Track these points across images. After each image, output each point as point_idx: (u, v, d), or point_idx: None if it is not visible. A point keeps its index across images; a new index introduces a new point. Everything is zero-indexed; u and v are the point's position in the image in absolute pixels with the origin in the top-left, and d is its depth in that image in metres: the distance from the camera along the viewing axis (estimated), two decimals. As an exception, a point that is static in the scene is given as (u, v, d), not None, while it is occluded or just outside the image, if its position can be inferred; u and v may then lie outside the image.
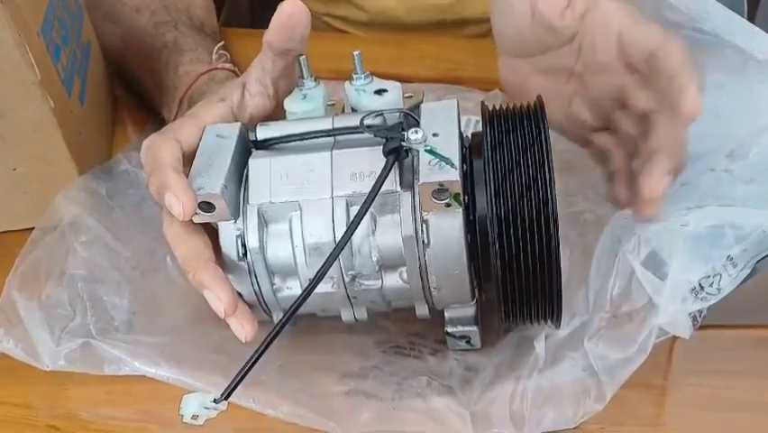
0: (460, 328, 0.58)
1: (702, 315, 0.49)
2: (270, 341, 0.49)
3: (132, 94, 0.81)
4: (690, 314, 0.48)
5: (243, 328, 0.52)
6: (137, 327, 0.61)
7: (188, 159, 0.53)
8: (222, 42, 0.75)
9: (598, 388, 0.52)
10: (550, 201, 0.49)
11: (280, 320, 0.50)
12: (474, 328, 0.58)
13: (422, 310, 0.56)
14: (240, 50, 0.76)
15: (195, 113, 0.56)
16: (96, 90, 0.74)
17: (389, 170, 0.50)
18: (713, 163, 0.54)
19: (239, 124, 0.55)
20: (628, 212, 0.53)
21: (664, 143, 0.52)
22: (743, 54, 0.56)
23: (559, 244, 0.49)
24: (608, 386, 0.51)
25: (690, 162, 0.56)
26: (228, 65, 0.72)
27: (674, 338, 0.57)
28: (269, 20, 0.53)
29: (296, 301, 0.50)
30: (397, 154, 0.50)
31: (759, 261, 0.49)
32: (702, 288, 0.48)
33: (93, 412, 0.58)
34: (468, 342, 0.58)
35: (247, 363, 0.49)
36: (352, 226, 0.50)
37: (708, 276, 0.48)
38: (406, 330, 0.61)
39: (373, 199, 0.50)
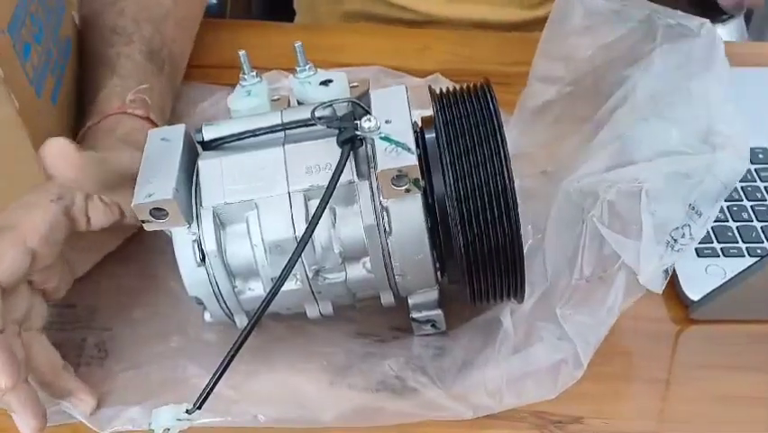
0: (424, 313, 0.57)
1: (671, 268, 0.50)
2: (239, 348, 0.48)
3: None
4: (663, 270, 0.49)
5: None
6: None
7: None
8: (145, 86, 0.65)
9: (574, 354, 0.52)
10: (505, 170, 0.49)
11: (246, 326, 0.48)
12: (438, 312, 0.57)
13: (387, 299, 0.55)
14: (237, 42, 0.67)
15: (13, 223, 0.52)
16: (72, 89, 0.69)
17: (346, 161, 0.49)
18: (644, 113, 0.55)
19: (183, 125, 0.54)
20: (580, 176, 0.54)
21: None
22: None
23: (518, 208, 0.49)
24: (583, 351, 0.52)
25: (623, 116, 0.56)
26: (140, 111, 0.63)
27: (678, 333, 0.58)
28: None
29: (261, 304, 0.48)
30: (353, 144, 0.50)
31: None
32: (675, 240, 0.49)
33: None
34: (433, 325, 0.58)
35: (218, 370, 0.48)
36: (314, 220, 0.48)
37: (678, 228, 0.49)
38: (386, 322, 0.60)
39: (333, 191, 0.49)
